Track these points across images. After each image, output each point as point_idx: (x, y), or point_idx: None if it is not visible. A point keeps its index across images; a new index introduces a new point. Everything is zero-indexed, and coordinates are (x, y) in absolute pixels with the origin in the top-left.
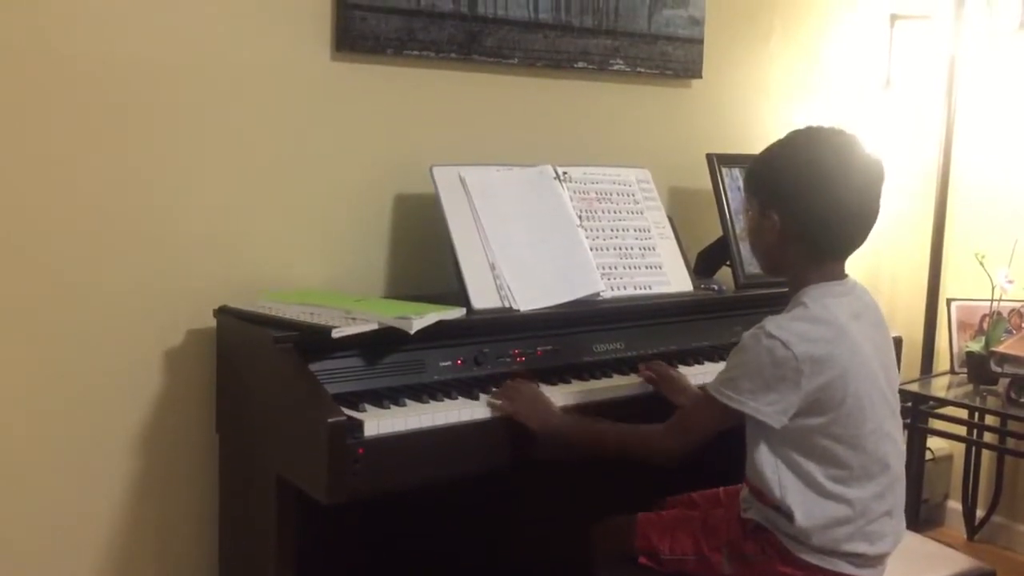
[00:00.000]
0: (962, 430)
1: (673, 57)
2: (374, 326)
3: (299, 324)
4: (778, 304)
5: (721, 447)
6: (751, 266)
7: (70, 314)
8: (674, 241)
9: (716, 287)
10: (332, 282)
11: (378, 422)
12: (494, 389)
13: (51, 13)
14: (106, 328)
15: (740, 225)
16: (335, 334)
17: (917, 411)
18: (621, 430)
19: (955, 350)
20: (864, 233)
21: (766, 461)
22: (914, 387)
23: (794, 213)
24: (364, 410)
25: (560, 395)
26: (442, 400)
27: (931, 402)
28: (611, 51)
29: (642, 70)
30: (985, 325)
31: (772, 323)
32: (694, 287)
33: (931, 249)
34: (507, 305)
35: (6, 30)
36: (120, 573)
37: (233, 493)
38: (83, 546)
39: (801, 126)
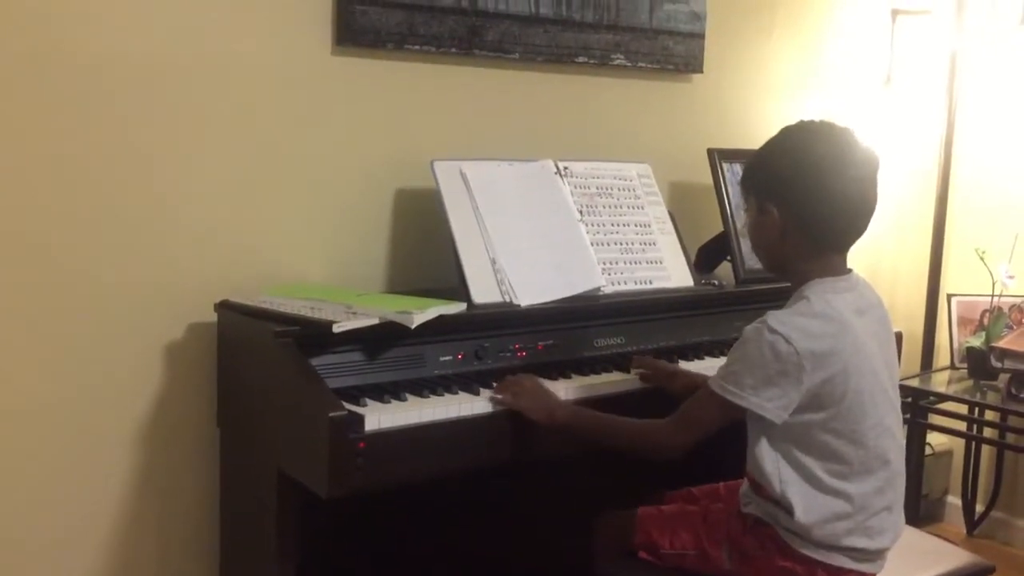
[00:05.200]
0: (962, 425)
1: (674, 52)
2: (375, 321)
3: (300, 319)
4: (779, 299)
5: (721, 442)
6: (751, 261)
7: (71, 308)
8: (675, 236)
9: (716, 282)
10: (333, 277)
11: (379, 416)
12: (495, 384)
13: (50, 9)
14: (107, 322)
15: (741, 220)
16: (336, 329)
17: (917, 406)
18: (624, 424)
19: (955, 345)
20: (863, 223)
21: (766, 456)
22: (914, 382)
23: (793, 206)
24: (365, 404)
25: (560, 390)
26: (443, 395)
27: (931, 397)
28: (612, 46)
29: (643, 65)
30: (985, 320)
31: (774, 318)
32: (695, 282)
33: (932, 244)
34: (508, 300)
35: (5, 27)
36: (121, 566)
37: (234, 487)
38: (84, 539)
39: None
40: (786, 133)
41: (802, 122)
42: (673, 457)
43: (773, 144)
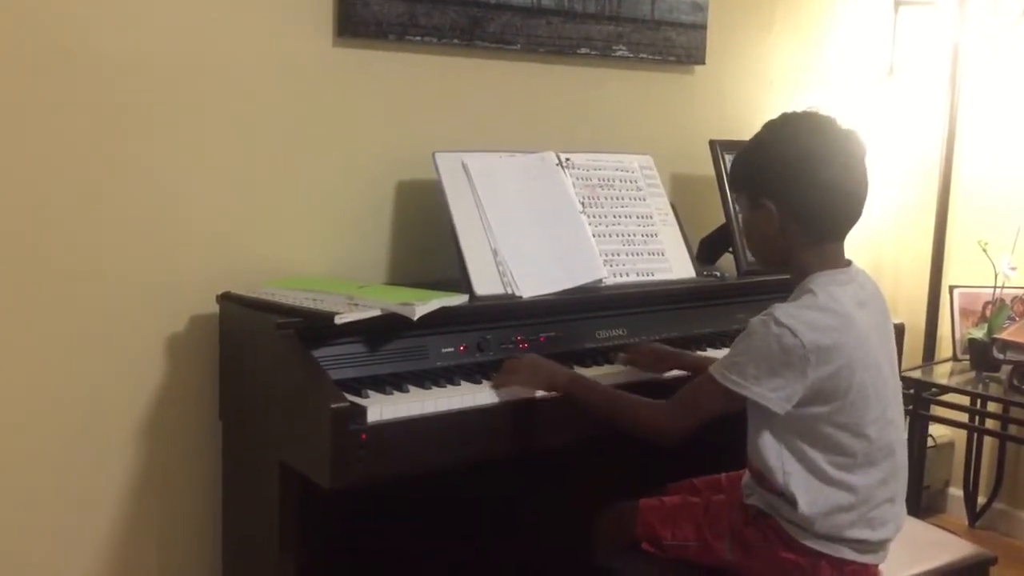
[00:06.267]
0: (964, 417)
1: (676, 43)
2: (377, 312)
3: (302, 310)
4: (781, 291)
5: (723, 432)
6: None
7: (73, 302)
8: (676, 228)
9: (718, 274)
10: (335, 268)
11: (381, 408)
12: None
13: (49, 6)
14: (109, 315)
15: None
16: (338, 320)
17: (919, 398)
18: (624, 396)
19: (957, 337)
20: (858, 209)
21: (769, 448)
22: (916, 374)
23: (788, 198)
24: (367, 396)
25: None
26: (445, 386)
27: (933, 389)
28: (614, 37)
29: (645, 56)
30: (988, 312)
31: (781, 311)
32: (696, 274)
33: (934, 236)
34: (510, 291)
35: (8, 25)
36: (123, 559)
37: (236, 479)
38: (86, 532)
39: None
40: (771, 127)
41: (785, 115)
42: (669, 441)
43: (760, 139)
